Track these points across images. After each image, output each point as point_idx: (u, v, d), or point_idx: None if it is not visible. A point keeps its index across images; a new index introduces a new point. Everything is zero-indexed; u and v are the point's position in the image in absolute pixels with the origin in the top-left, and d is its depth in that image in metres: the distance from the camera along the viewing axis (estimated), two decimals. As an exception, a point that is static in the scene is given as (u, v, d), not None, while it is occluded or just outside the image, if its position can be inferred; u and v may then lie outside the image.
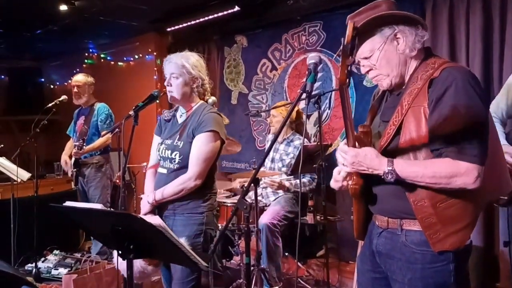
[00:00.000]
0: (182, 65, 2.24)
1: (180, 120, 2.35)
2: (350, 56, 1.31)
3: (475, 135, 1.35)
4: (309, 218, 3.52)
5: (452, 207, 1.39)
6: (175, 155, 2.23)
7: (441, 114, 1.36)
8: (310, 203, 3.55)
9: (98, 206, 1.67)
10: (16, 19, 4.95)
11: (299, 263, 3.78)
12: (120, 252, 1.65)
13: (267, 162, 3.72)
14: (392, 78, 1.52)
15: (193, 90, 2.30)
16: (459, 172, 1.33)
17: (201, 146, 2.19)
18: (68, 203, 1.77)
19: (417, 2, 3.61)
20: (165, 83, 2.28)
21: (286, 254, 3.74)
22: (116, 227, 1.57)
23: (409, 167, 1.38)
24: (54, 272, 4.06)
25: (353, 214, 1.62)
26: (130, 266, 1.70)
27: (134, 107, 2.28)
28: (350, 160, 1.43)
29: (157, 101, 2.46)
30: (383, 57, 1.49)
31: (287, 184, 3.52)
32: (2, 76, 6.83)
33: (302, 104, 4.32)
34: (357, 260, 1.76)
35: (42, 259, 4.29)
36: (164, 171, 2.29)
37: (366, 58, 1.52)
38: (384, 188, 1.49)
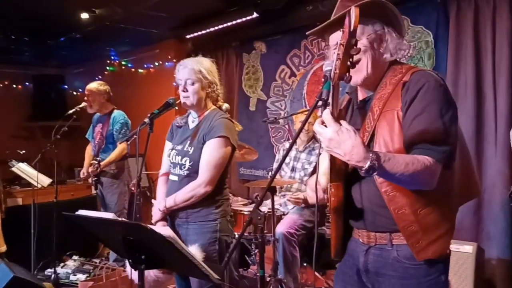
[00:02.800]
0: (199, 71, 2.21)
1: (192, 126, 2.33)
2: (354, 46, 1.23)
3: (446, 136, 1.32)
4: (328, 229, 3.43)
5: (432, 213, 1.35)
6: (185, 161, 2.21)
7: (415, 114, 1.33)
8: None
9: (109, 215, 1.64)
10: (40, 27, 5.05)
11: (318, 274, 3.69)
12: (131, 262, 1.62)
13: (287, 172, 3.65)
14: (369, 72, 1.44)
15: (208, 95, 2.28)
16: (430, 169, 1.29)
17: (211, 152, 2.16)
18: (81, 212, 1.75)
19: (440, 5, 3.51)
20: (180, 89, 2.25)
21: (305, 264, 3.66)
22: (127, 237, 1.54)
23: (392, 164, 1.25)
24: (72, 277, 4.09)
25: (331, 231, 1.52)
26: (141, 277, 1.67)
27: (149, 114, 2.27)
28: (329, 135, 1.21)
29: (176, 108, 2.44)
30: (369, 50, 1.43)
31: (309, 200, 3.43)
32: (27, 83, 6.96)
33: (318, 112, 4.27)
34: (335, 281, 1.66)
35: (61, 264, 4.34)
36: (175, 178, 2.26)
37: None
38: (369, 199, 1.42)
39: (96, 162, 3.90)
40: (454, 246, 2.82)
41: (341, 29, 1.24)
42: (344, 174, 1.44)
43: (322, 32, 1.53)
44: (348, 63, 1.24)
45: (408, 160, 1.26)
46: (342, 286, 1.59)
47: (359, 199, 1.45)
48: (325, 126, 1.23)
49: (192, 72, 2.21)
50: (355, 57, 1.37)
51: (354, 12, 1.19)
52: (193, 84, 2.22)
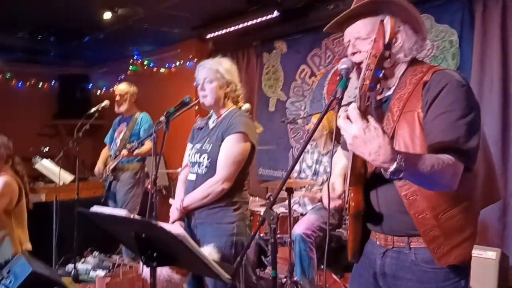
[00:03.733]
0: (216, 70, 2.21)
1: (211, 126, 2.32)
2: (388, 58, 1.19)
3: (469, 136, 1.26)
4: (345, 231, 3.37)
5: (454, 217, 1.30)
6: (203, 159, 2.19)
7: (436, 114, 1.28)
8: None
9: (122, 212, 1.65)
10: (65, 28, 5.16)
11: (335, 277, 3.64)
12: (143, 259, 1.63)
13: (309, 175, 3.60)
14: None
15: (226, 95, 2.26)
16: (453, 169, 1.23)
17: (229, 148, 2.13)
18: (95, 208, 1.76)
19: (466, 4, 3.41)
20: (199, 88, 2.26)
21: (322, 267, 3.61)
22: (139, 234, 1.55)
23: (419, 165, 1.18)
24: (92, 274, 4.13)
25: (348, 234, 1.48)
26: (153, 274, 1.67)
27: (165, 113, 2.28)
28: (354, 132, 1.13)
29: (196, 108, 2.43)
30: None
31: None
32: (53, 82, 7.14)
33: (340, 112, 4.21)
34: (350, 283, 1.63)
35: (82, 260, 4.40)
36: (193, 177, 2.25)
37: (360, 38, 1.40)
38: (387, 203, 1.38)
39: (135, 144, 3.77)
40: (476, 252, 2.73)
41: (373, 39, 1.20)
42: (363, 178, 1.41)
43: (338, 27, 1.50)
44: (381, 75, 1.20)
45: (434, 160, 1.21)
46: None
47: (376, 203, 1.41)
48: (351, 121, 1.15)
49: (210, 71, 2.22)
50: (360, 56, 1.35)
51: (389, 23, 1.15)
52: (210, 82, 2.22)
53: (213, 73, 2.22)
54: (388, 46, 1.17)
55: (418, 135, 1.30)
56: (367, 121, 1.13)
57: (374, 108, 1.49)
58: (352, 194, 1.38)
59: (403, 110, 1.33)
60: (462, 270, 1.35)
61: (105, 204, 4.20)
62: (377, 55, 1.17)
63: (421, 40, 1.41)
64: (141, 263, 2.01)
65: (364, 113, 1.15)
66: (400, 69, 1.42)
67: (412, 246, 1.36)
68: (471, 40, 3.39)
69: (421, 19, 1.41)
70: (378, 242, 1.45)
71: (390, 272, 1.41)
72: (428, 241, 1.31)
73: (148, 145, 4.01)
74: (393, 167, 1.12)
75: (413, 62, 1.42)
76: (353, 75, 1.39)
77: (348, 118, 1.15)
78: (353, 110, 1.14)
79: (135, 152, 3.83)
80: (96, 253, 4.55)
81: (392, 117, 1.35)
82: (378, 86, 1.22)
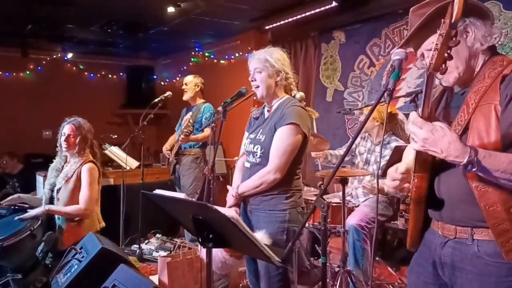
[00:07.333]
0: (265, 59, 2.26)
1: (266, 115, 2.38)
2: (454, 37, 1.21)
3: None
4: (400, 223, 3.33)
5: None
6: (257, 149, 2.26)
7: None
8: (402, 207, 3.35)
9: (181, 195, 1.77)
10: (133, 21, 5.44)
11: (391, 270, 3.60)
12: (200, 240, 1.74)
13: (360, 164, 3.59)
14: (460, 72, 1.40)
15: (277, 84, 2.30)
16: None
17: (281, 139, 2.18)
18: (158, 191, 1.90)
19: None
20: (249, 79, 2.32)
21: (377, 258, 3.59)
22: (196, 216, 1.66)
23: (493, 160, 1.22)
24: (155, 254, 4.42)
25: (409, 221, 1.50)
26: (209, 255, 1.78)
27: (222, 103, 2.37)
28: (424, 135, 1.23)
29: (254, 98, 2.50)
30: (453, 49, 1.36)
31: (385, 188, 3.34)
32: (121, 74, 7.56)
33: (400, 103, 4.11)
34: (408, 272, 1.62)
35: (146, 241, 4.70)
36: (249, 165, 2.34)
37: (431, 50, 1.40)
38: (453, 192, 1.37)
39: (191, 128, 4.18)
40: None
41: (443, 20, 1.23)
42: (430, 166, 1.41)
43: (406, 44, 1.51)
44: (446, 54, 1.24)
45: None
46: (416, 278, 1.56)
47: (444, 192, 1.41)
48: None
49: (258, 61, 2.27)
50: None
51: (457, 3, 1.17)
52: (260, 72, 2.27)
53: (262, 63, 2.26)
54: (454, 25, 1.19)
55: (494, 128, 1.29)
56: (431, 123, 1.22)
57: (451, 100, 1.49)
58: (415, 180, 1.39)
59: (479, 103, 1.33)
60: None
61: (172, 187, 4.48)
62: (443, 34, 1.20)
63: (490, 26, 1.40)
64: (199, 245, 2.13)
65: (429, 113, 1.25)
66: (479, 62, 1.41)
67: (475, 238, 1.35)
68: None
69: (483, 5, 1.40)
70: (439, 232, 1.45)
71: (450, 263, 1.41)
72: (497, 234, 1.29)
73: (206, 132, 4.27)
74: (465, 160, 1.20)
75: (493, 54, 1.41)
76: (411, 65, 1.41)
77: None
78: (415, 117, 1.24)
79: (191, 137, 4.15)
80: (159, 235, 4.84)
81: (467, 109, 1.35)
82: (443, 66, 1.24)
